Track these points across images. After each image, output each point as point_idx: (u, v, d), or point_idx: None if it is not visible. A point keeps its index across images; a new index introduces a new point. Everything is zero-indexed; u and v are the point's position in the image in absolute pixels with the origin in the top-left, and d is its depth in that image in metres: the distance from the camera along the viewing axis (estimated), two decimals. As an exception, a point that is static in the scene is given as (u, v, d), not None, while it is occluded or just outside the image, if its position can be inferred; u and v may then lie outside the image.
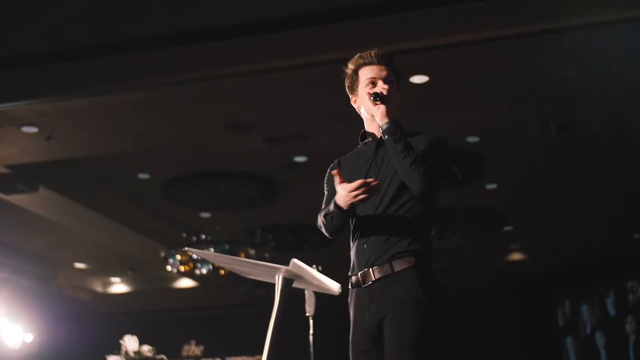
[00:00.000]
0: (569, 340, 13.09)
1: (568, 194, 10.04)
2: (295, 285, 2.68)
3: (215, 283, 12.89)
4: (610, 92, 7.08)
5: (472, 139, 8.74)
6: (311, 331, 3.98)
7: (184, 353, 15.63)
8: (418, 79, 6.94)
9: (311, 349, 4.03)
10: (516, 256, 13.89)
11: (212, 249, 10.55)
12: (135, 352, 6.17)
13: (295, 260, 2.49)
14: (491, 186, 10.32)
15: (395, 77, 2.94)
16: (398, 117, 2.84)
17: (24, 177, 8.82)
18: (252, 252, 10.89)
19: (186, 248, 2.67)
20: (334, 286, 2.67)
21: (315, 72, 6.63)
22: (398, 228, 2.72)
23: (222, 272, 10.48)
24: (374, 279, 2.70)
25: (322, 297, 2.95)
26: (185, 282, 14.54)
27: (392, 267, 2.68)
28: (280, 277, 2.52)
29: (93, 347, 7.42)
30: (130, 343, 6.21)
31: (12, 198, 9.46)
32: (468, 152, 9.13)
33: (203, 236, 10.91)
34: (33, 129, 7.56)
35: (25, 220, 10.51)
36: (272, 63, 6.61)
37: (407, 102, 7.50)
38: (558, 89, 7.26)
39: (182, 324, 15.37)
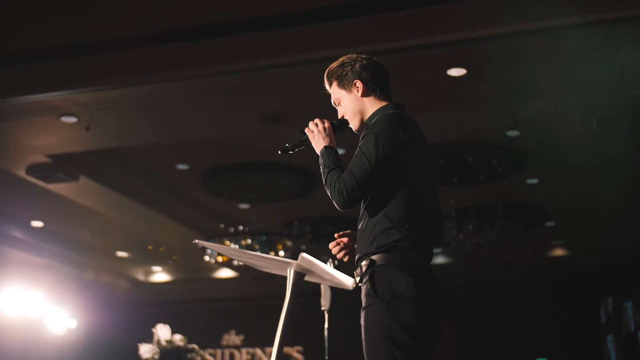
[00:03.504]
0: (610, 338, 12.85)
1: (611, 189, 9.83)
2: (309, 279, 2.67)
3: (254, 273, 12.95)
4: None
5: (513, 133, 8.61)
6: (326, 325, 3.97)
7: (224, 342, 15.76)
8: (455, 72, 6.85)
9: (326, 343, 4.02)
10: (558, 252, 13.67)
11: (249, 240, 10.61)
12: (167, 341, 6.22)
13: (304, 255, 2.48)
14: (532, 181, 10.16)
15: (339, 84, 2.87)
16: (368, 118, 2.81)
17: (64, 166, 8.96)
18: (289, 243, 10.91)
19: (196, 241, 2.67)
20: (348, 281, 2.65)
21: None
22: (366, 226, 2.66)
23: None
24: (356, 281, 2.68)
25: (339, 291, 2.92)
26: (225, 272, 14.64)
27: (361, 269, 2.63)
28: (292, 271, 2.51)
29: (135, 335, 7.52)
30: (162, 332, 6.26)
31: (54, 187, 9.63)
32: (508, 147, 9.01)
33: (241, 227, 10.97)
34: (72, 119, 7.66)
35: (68, 209, 10.70)
36: (309, 55, 6.59)
37: (444, 95, 7.49)
38: (600, 82, 7.10)
39: (222, 314, 15.50)
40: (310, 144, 2.83)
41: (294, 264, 2.51)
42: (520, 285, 13.98)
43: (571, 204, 10.82)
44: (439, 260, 13.24)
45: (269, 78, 7.08)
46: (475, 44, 6.42)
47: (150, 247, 12.08)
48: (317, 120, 2.83)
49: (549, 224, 11.92)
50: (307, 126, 2.86)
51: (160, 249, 12.47)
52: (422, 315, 2.50)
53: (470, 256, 12.62)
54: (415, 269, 2.56)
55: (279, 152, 2.88)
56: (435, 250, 10.40)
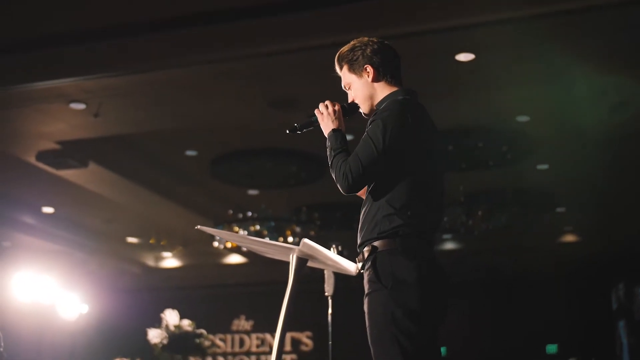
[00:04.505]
0: (621, 324, 12.79)
1: (622, 174, 9.78)
2: (312, 265, 2.67)
3: (263, 259, 12.93)
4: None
5: (522, 119, 8.56)
6: (330, 310, 3.98)
7: (234, 328, 15.84)
8: (464, 57, 6.81)
9: (329, 328, 4.03)
10: (569, 238, 13.62)
11: (258, 226, 10.63)
12: (175, 326, 6.25)
13: (306, 240, 2.47)
14: (542, 167, 10.11)
15: (350, 69, 2.84)
16: (381, 101, 2.77)
17: (73, 153, 9.00)
18: (297, 229, 10.92)
19: (198, 226, 2.67)
20: (351, 267, 2.64)
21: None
22: (369, 211, 2.64)
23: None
24: (359, 267, 2.66)
25: (347, 276, 2.91)
26: (235, 258, 14.68)
27: (363, 256, 2.62)
28: (294, 256, 2.51)
29: (146, 320, 7.57)
30: (170, 317, 6.29)
31: (64, 173, 9.67)
32: (518, 132, 8.96)
33: (249, 213, 10.99)
34: (81, 106, 7.69)
35: (78, 196, 10.75)
36: (317, 40, 6.58)
37: (453, 80, 7.43)
38: (611, 66, 7.04)
39: (232, 299, 15.57)
40: (318, 125, 2.82)
41: (296, 250, 2.51)
42: (531, 272, 13.95)
43: (582, 190, 10.77)
44: (448, 246, 13.22)
45: (277, 64, 7.07)
46: (484, 29, 6.38)
47: (152, 241, 12.17)
48: (327, 102, 2.81)
49: (560, 209, 11.87)
50: (317, 109, 2.84)
51: (162, 243, 12.57)
52: (425, 301, 2.49)
53: (479, 242, 12.59)
54: (417, 255, 2.55)
55: (287, 132, 2.87)
56: (445, 236, 10.30)
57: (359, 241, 2.65)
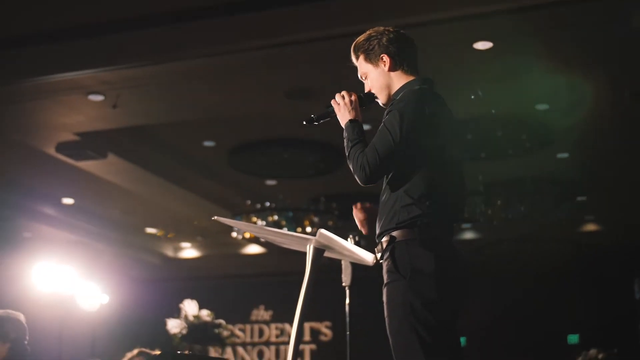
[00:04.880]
0: (643, 314, 12.69)
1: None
2: (329, 255, 2.66)
3: (281, 249, 12.96)
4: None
5: (542, 107, 8.49)
6: (347, 301, 3.98)
7: (253, 318, 15.90)
8: (482, 45, 6.76)
9: (347, 318, 4.03)
10: (591, 227, 13.50)
11: (276, 217, 10.65)
12: (194, 316, 6.28)
13: (322, 231, 2.47)
14: (562, 155, 10.03)
15: (366, 58, 2.83)
16: (398, 90, 2.76)
17: (93, 144, 9.05)
18: (316, 220, 10.93)
19: (215, 217, 2.67)
20: (368, 257, 2.64)
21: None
22: (387, 202, 2.64)
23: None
24: (378, 258, 2.66)
25: (362, 267, 2.91)
26: (254, 248, 14.72)
27: (382, 246, 2.61)
28: (311, 247, 2.51)
29: (166, 310, 7.62)
30: (189, 307, 6.32)
31: (83, 164, 9.73)
32: (537, 120, 8.89)
33: (267, 203, 11.01)
34: (99, 97, 7.72)
35: (97, 187, 10.82)
36: (334, 30, 6.55)
37: (471, 69, 7.38)
38: (632, 53, 6.97)
39: (251, 290, 15.61)
40: (335, 116, 2.81)
41: (313, 240, 2.51)
42: (551, 262, 13.85)
43: (603, 178, 10.67)
44: (467, 235, 13.17)
45: (294, 54, 7.05)
46: (502, 17, 6.32)
47: (159, 233, 12.26)
48: (344, 93, 2.81)
49: (580, 198, 11.77)
50: (334, 99, 2.83)
51: (169, 235, 12.66)
52: (443, 291, 2.49)
53: (499, 232, 12.53)
54: (436, 245, 2.54)
55: (304, 123, 2.88)
56: (464, 226, 10.26)
57: (377, 231, 2.65)
